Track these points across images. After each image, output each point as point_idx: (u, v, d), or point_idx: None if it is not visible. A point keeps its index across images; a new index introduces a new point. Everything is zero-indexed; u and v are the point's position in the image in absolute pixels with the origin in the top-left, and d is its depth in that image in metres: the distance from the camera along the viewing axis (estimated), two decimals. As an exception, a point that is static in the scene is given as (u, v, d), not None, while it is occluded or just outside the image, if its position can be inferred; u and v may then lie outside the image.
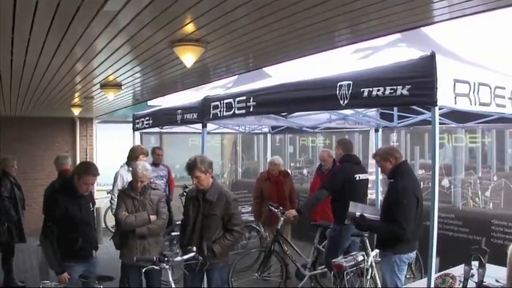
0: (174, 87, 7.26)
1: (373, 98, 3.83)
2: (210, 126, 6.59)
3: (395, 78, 3.70)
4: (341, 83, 4.07)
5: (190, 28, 3.77)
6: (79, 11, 3.24)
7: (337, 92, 4.08)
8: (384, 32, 4.11)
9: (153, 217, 5.04)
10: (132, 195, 5.10)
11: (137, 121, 8.54)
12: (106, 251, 8.41)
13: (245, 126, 8.97)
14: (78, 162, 10.71)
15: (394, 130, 8.99)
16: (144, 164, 5.32)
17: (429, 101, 3.53)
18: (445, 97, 3.55)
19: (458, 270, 4.18)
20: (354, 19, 3.64)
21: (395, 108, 6.60)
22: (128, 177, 5.85)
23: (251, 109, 5.15)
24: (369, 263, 5.30)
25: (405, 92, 3.61)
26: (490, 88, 3.96)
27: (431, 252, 3.64)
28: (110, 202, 6.93)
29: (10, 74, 5.66)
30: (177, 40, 4.08)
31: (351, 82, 3.99)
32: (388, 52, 5.09)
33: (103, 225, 10.65)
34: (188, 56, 4.22)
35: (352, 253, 5.45)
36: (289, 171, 9.45)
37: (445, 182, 8.08)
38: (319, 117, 7.03)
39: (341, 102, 4.08)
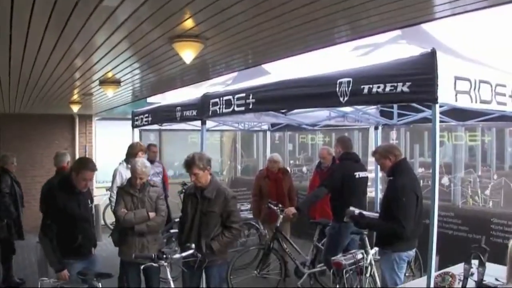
0: (173, 83, 7.23)
1: (373, 95, 3.80)
2: (210, 123, 6.56)
3: (395, 75, 3.67)
4: (341, 80, 4.04)
5: (188, 24, 3.75)
6: (77, 6, 3.21)
7: (337, 89, 4.06)
8: (384, 29, 4.08)
9: (152, 214, 5.03)
10: (131, 192, 5.08)
11: (136, 118, 8.52)
12: (105, 248, 8.41)
13: (245, 123, 8.95)
14: (77, 159, 10.69)
15: (394, 128, 8.97)
16: (143, 161, 5.31)
17: (430, 98, 3.50)
18: (445, 94, 3.53)
19: (457, 269, 4.16)
20: (354, 15, 3.61)
21: (395, 106, 6.59)
22: (127, 174, 5.84)
23: (251, 106, 5.12)
24: (368, 261, 5.29)
25: (405, 89, 3.58)
26: (491, 86, 3.93)
27: (431, 251, 3.62)
28: (109, 199, 6.91)
29: (9, 71, 5.64)
30: (176, 36, 4.05)
31: (351, 79, 3.97)
32: (389, 49, 5.05)
33: (102, 222, 10.66)
34: (187, 52, 4.19)
35: (352, 251, 5.44)
36: (288, 168, 9.45)
37: (445, 180, 8.06)
38: (319, 114, 7.01)
39: (341, 99, 4.05)
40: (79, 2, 3.13)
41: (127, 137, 8.82)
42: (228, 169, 14.02)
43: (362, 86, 3.87)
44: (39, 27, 3.72)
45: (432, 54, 3.46)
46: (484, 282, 3.51)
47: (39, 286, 4.34)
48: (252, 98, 5.06)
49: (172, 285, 4.15)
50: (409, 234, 4.59)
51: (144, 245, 5.00)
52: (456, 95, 3.64)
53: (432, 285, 3.69)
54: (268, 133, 10.04)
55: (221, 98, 5.57)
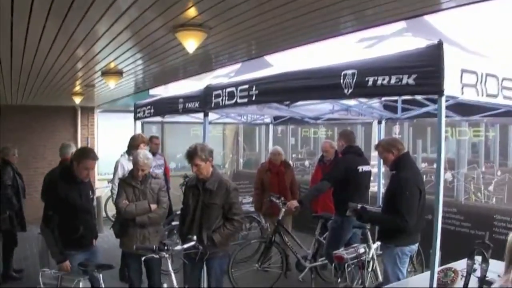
0: (176, 75, 7.19)
1: (378, 87, 3.75)
2: (212, 116, 6.51)
3: (400, 67, 3.61)
4: (345, 71, 3.98)
5: (192, 12, 3.70)
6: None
7: (342, 81, 4.00)
8: (390, 19, 4.04)
9: (153, 206, 5.01)
10: (132, 183, 5.05)
11: (138, 110, 8.48)
12: (106, 240, 8.40)
13: (247, 116, 8.89)
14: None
15: (397, 122, 8.91)
16: (145, 152, 5.27)
17: (436, 91, 3.44)
18: (452, 87, 3.47)
19: (460, 265, 4.14)
20: (359, 5, 3.57)
21: (399, 100, 6.52)
22: (129, 166, 5.81)
23: (254, 98, 5.07)
24: (370, 256, 5.25)
25: (411, 81, 3.52)
26: (498, 80, 3.87)
27: (435, 245, 3.58)
28: (111, 191, 6.90)
29: (11, 62, 5.61)
30: (179, 25, 4.00)
31: (355, 71, 3.91)
32: (394, 41, 5.02)
33: (103, 214, 10.65)
34: (191, 42, 4.14)
35: (354, 245, 5.41)
36: (290, 162, 9.41)
37: (448, 176, 8.02)
38: (322, 107, 6.95)
39: (345, 91, 4.00)
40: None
41: (129, 129, 8.78)
42: (230, 162, 14.00)
43: (366, 78, 3.81)
44: (40, 16, 3.69)
45: (439, 46, 3.40)
46: (487, 279, 3.46)
47: (40, 277, 4.31)
48: (255, 90, 5.00)
49: (173, 277, 4.12)
50: (412, 228, 4.55)
51: (145, 236, 4.98)
52: (462, 88, 3.58)
53: (435, 280, 3.64)
54: (271, 127, 9.98)
55: (224, 90, 5.51)
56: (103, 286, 4.38)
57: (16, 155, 7.10)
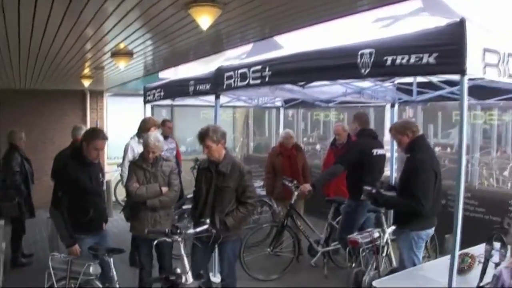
0: (186, 56, 7.06)
1: (397, 66, 3.63)
2: (222, 99, 6.41)
3: (421, 46, 3.49)
4: (362, 51, 3.87)
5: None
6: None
7: (358, 60, 3.89)
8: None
9: (164, 189, 4.93)
10: (143, 166, 4.98)
11: (148, 93, 8.40)
12: (116, 224, 8.41)
13: (258, 99, 8.78)
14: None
15: (409, 106, 8.76)
16: (156, 135, 5.19)
17: (458, 70, 3.32)
18: (474, 67, 3.35)
19: (477, 250, 4.06)
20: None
21: (415, 83, 6.35)
22: (139, 149, 5.75)
23: (267, 79, 4.96)
24: (384, 240, 5.17)
25: (431, 60, 3.40)
26: (520, 60, 3.74)
27: (456, 230, 3.53)
28: (121, 175, 6.85)
29: (18, 44, 5.52)
30: (192, 1, 3.86)
31: (373, 50, 3.79)
32: (410, 21, 4.88)
33: (113, 198, 10.64)
34: (204, 18, 4.01)
35: (368, 230, 5.34)
36: (302, 145, 9.31)
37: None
38: (335, 90, 6.81)
39: (362, 71, 3.89)
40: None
41: (138, 113, 8.72)
42: (241, 146, 13.94)
43: (385, 58, 3.70)
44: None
45: (461, 23, 3.28)
46: (501, 265, 3.37)
47: (49, 261, 4.27)
48: (269, 71, 4.90)
49: (185, 261, 4.04)
50: (428, 212, 4.47)
51: (156, 220, 4.91)
52: (484, 67, 3.46)
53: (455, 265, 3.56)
54: (282, 110, 9.89)
55: (236, 71, 5.40)
56: (114, 270, 4.34)
57: (24, 139, 6.98)
